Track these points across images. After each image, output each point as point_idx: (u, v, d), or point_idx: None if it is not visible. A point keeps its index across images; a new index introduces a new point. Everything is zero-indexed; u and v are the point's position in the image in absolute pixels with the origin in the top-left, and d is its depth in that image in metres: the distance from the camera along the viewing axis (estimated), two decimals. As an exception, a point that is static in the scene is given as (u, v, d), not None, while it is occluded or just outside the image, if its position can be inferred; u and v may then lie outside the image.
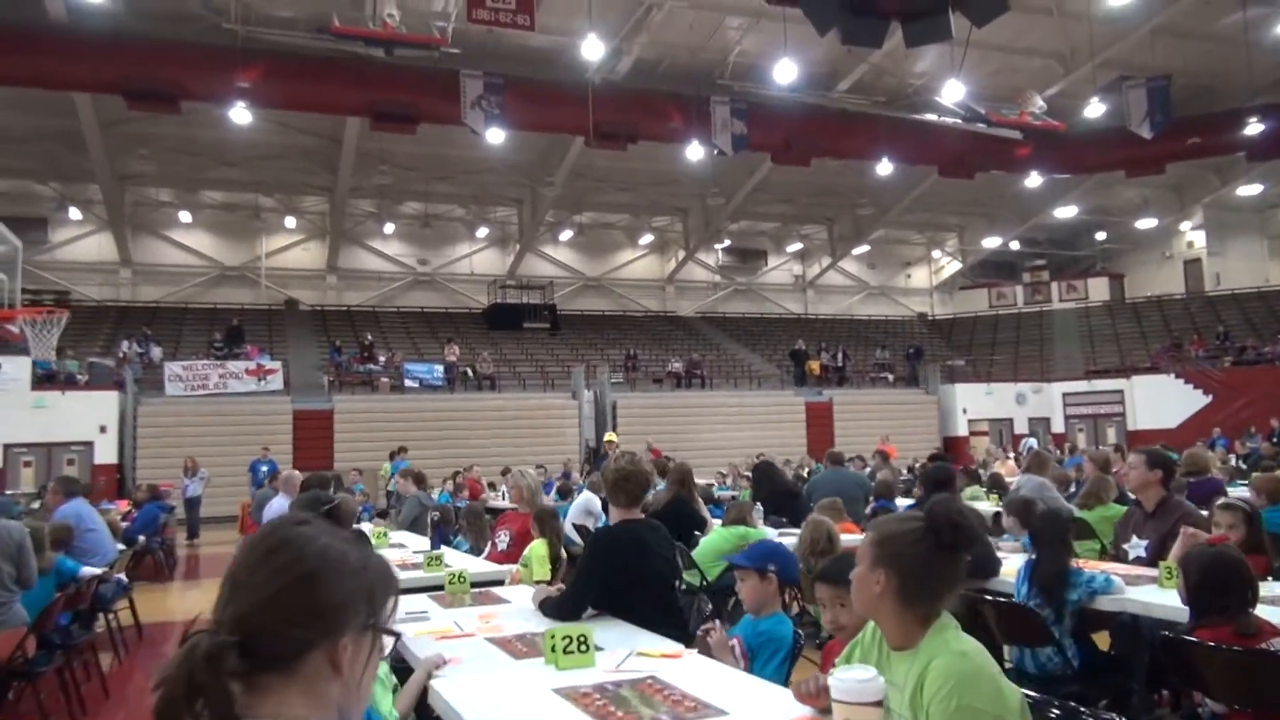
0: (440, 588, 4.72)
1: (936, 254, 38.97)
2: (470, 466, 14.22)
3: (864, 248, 36.09)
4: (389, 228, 31.14)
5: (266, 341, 25.65)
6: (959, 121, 19.58)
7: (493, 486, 14.13)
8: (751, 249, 36.42)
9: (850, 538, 5.89)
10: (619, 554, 3.71)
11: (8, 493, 15.68)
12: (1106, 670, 3.21)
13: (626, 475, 3.83)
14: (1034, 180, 29.75)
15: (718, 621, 2.38)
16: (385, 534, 6.81)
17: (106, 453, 20.02)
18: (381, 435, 21.32)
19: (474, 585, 4.70)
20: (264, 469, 17.36)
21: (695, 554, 5.86)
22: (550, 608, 3.69)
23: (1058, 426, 28.68)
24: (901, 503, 8.62)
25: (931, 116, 21.34)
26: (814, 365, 27.97)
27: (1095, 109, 24.65)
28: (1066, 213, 33.21)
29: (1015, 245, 36.13)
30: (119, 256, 28.44)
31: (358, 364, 24.06)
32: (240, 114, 21.37)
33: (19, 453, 19.29)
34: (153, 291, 28.80)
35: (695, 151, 24.85)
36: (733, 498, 12.92)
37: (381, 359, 24.43)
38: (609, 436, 11.71)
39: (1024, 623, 3.81)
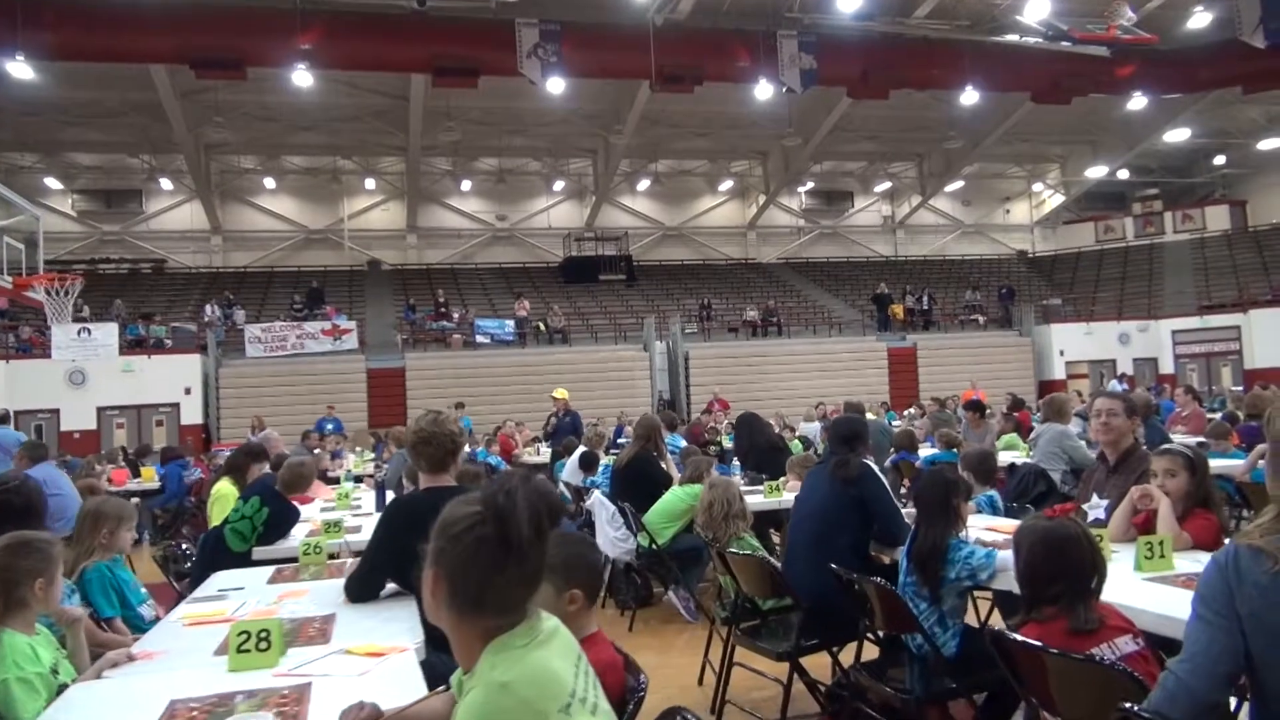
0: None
1: (1037, 187, 36.80)
2: (505, 422, 14.10)
3: (957, 184, 34.38)
4: (466, 185, 31.25)
5: (346, 302, 26.19)
6: (1041, 41, 18.11)
7: (537, 440, 13.97)
8: (837, 190, 35.18)
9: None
10: (413, 527, 3.25)
11: (102, 453, 16.46)
12: (985, 662, 2.67)
13: (426, 437, 3.40)
14: (1140, 102, 27.53)
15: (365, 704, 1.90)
16: (347, 495, 6.62)
17: (192, 414, 20.83)
18: (452, 391, 21.45)
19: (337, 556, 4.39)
20: (329, 427, 17.73)
21: (646, 516, 5.48)
22: (348, 585, 3.38)
23: (1166, 367, 26.85)
24: (926, 453, 8.03)
25: (1014, 38, 19.84)
26: (897, 309, 26.87)
27: (1200, 19, 22.54)
28: (1179, 136, 30.77)
29: (1124, 174, 33.80)
30: (209, 224, 29.43)
31: (431, 321, 24.30)
32: (302, 76, 21.53)
33: (111, 415, 20.23)
34: (243, 257, 29.74)
35: (764, 90, 23.90)
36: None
37: (456, 316, 24.61)
38: (558, 392, 11.34)
39: (891, 605, 3.31)
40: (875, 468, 4.00)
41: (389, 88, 25.23)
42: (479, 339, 23.63)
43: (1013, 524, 3.83)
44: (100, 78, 23.03)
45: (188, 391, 20.78)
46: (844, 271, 32.55)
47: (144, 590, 4.04)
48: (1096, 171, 33.64)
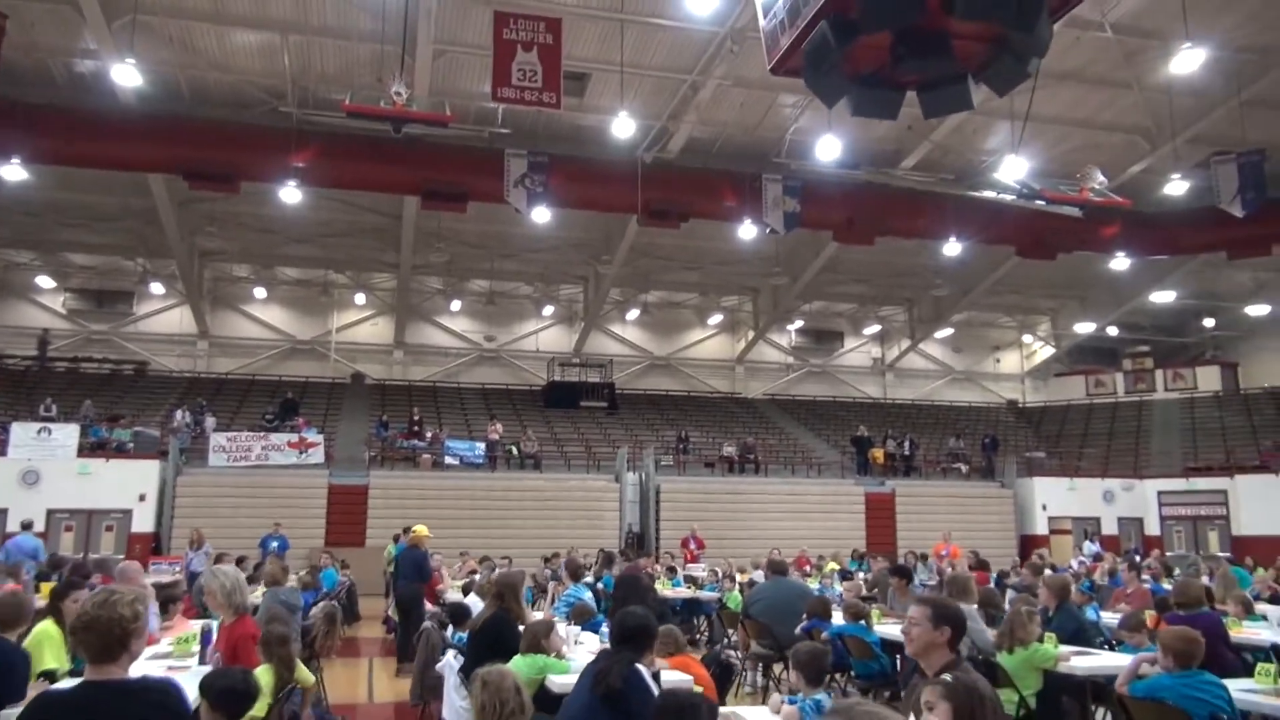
0: None
1: (1028, 338, 36.90)
2: (432, 555, 13.54)
3: (947, 330, 34.53)
4: (456, 304, 31.49)
5: (321, 415, 25.97)
6: (1016, 200, 18.40)
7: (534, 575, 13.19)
8: (827, 330, 35.32)
9: (672, 676, 4.98)
10: None
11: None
12: None
13: (88, 623, 2.88)
14: (1125, 262, 27.81)
15: None
16: (189, 640, 6.02)
17: (144, 521, 20.33)
18: (415, 512, 20.82)
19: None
20: (274, 544, 17.24)
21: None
22: None
23: (1152, 528, 26.18)
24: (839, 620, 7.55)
25: (991, 194, 20.19)
26: (878, 453, 26.46)
27: (1178, 186, 23.02)
28: (1166, 297, 31.00)
29: (1114, 330, 33.88)
30: (198, 329, 29.56)
31: (403, 439, 24.00)
32: (291, 193, 21.95)
33: (61, 517, 19.75)
34: (228, 363, 29.74)
35: (749, 231, 24.31)
36: (720, 601, 11.93)
37: (429, 435, 24.32)
38: (417, 529, 10.67)
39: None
40: (648, 676, 3.59)
41: (383, 206, 25.71)
42: (448, 460, 23.25)
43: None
44: (99, 182, 23.54)
45: (142, 498, 20.33)
46: (829, 411, 32.31)
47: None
48: (1085, 327, 33.79)
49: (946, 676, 3.15)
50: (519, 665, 4.83)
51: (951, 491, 26.10)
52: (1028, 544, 24.54)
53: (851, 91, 11.06)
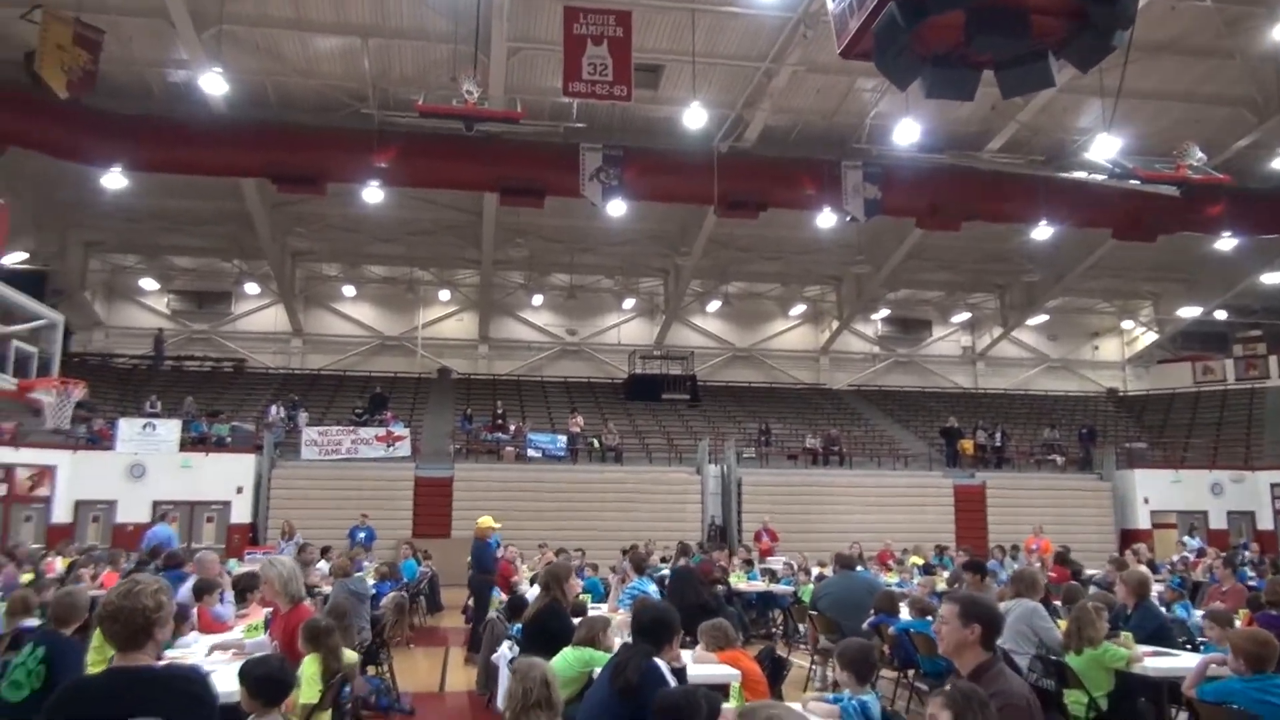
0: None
1: (1128, 324, 35.34)
2: (506, 546, 13.69)
3: (1041, 317, 33.35)
4: (537, 299, 31.81)
5: (409, 409, 26.56)
6: (1108, 180, 17.59)
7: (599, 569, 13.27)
8: (914, 319, 34.49)
9: (719, 670, 4.90)
10: (81, 717, 2.90)
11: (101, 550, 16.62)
12: None
13: (113, 613, 3.02)
14: (1232, 242, 26.36)
15: None
16: (259, 628, 6.24)
17: (242, 512, 21.13)
18: (498, 504, 21.14)
19: None
20: (361, 535, 17.70)
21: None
22: None
23: (1265, 522, 24.80)
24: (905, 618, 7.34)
25: (1082, 175, 19.36)
26: (967, 445, 25.69)
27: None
28: (1278, 278, 29.25)
29: (1222, 314, 32.19)
30: (291, 327, 30.58)
31: (487, 432, 24.37)
32: (373, 193, 22.49)
33: (165, 509, 20.60)
34: (320, 360, 30.68)
35: (828, 219, 23.92)
36: (795, 594, 11.75)
37: (511, 428, 24.64)
38: (482, 520, 10.64)
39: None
40: (666, 670, 3.51)
41: (464, 203, 26.13)
42: (530, 453, 23.51)
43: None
44: (195, 188, 24.51)
45: (239, 490, 21.14)
46: (917, 402, 31.54)
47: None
48: (1190, 311, 32.21)
49: (950, 685, 3.00)
50: (567, 657, 4.82)
51: (1046, 484, 25.20)
52: (1128, 538, 23.48)
53: (924, 73, 10.70)
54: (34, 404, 10.33)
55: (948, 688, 2.97)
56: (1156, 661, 5.67)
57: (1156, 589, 8.65)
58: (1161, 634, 6.25)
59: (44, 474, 20.06)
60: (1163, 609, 7.18)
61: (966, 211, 23.59)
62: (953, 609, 3.43)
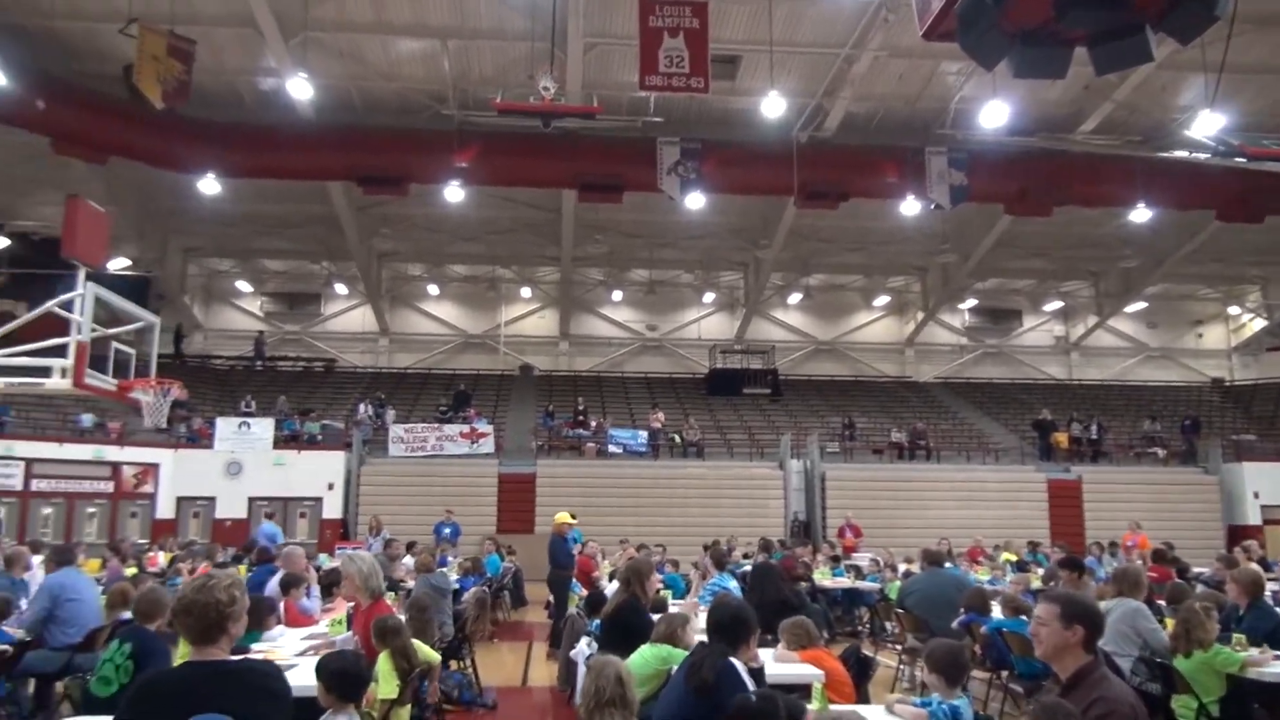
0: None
1: (1235, 310, 33.67)
2: (587, 542, 13.72)
3: (1139, 304, 32.01)
4: (617, 295, 31.87)
5: (493, 406, 26.90)
6: (1211, 159, 16.70)
7: (675, 564, 13.33)
8: (1003, 308, 33.49)
9: (801, 670, 4.76)
10: (156, 711, 2.86)
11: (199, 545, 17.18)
12: None
13: (186, 606, 2.99)
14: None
15: None
16: (342, 622, 6.29)
17: (333, 508, 21.69)
18: (580, 500, 21.35)
19: None
20: (446, 531, 17.97)
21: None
22: None
23: (1390, 519, 23.34)
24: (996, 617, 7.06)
25: (1183, 154, 18.43)
26: (1061, 438, 24.80)
27: None
28: (1401, 259, 27.51)
29: (1337, 298, 30.45)
30: (378, 327, 31.30)
31: (569, 429, 24.51)
32: (454, 192, 22.81)
33: (261, 505, 21.31)
34: (406, 359, 31.32)
35: (911, 207, 23.36)
36: (881, 591, 11.47)
37: (593, 424, 24.74)
38: (559, 516, 10.64)
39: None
40: (742, 670, 3.38)
41: (543, 201, 26.31)
42: (611, 449, 23.57)
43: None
44: (284, 192, 25.23)
45: (330, 487, 21.70)
46: (1008, 394, 30.59)
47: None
48: (1303, 295, 30.49)
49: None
50: (645, 654, 4.75)
51: (1146, 478, 24.15)
52: (1236, 535, 22.38)
53: (1012, 52, 10.30)
54: (133, 403, 10.76)
55: (1032, 706, 2.77)
56: (1273, 665, 5.34)
57: (1270, 588, 8.17)
58: (1277, 636, 5.88)
59: (148, 471, 20.96)
60: (1278, 609, 6.74)
61: (1058, 196, 22.77)
62: (1052, 609, 3.21)
